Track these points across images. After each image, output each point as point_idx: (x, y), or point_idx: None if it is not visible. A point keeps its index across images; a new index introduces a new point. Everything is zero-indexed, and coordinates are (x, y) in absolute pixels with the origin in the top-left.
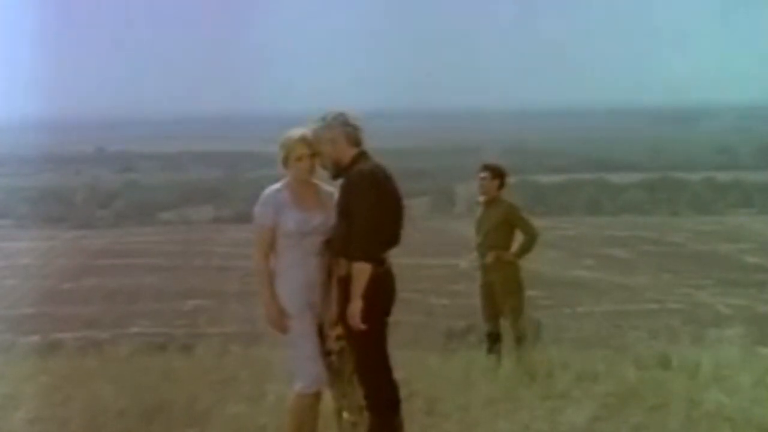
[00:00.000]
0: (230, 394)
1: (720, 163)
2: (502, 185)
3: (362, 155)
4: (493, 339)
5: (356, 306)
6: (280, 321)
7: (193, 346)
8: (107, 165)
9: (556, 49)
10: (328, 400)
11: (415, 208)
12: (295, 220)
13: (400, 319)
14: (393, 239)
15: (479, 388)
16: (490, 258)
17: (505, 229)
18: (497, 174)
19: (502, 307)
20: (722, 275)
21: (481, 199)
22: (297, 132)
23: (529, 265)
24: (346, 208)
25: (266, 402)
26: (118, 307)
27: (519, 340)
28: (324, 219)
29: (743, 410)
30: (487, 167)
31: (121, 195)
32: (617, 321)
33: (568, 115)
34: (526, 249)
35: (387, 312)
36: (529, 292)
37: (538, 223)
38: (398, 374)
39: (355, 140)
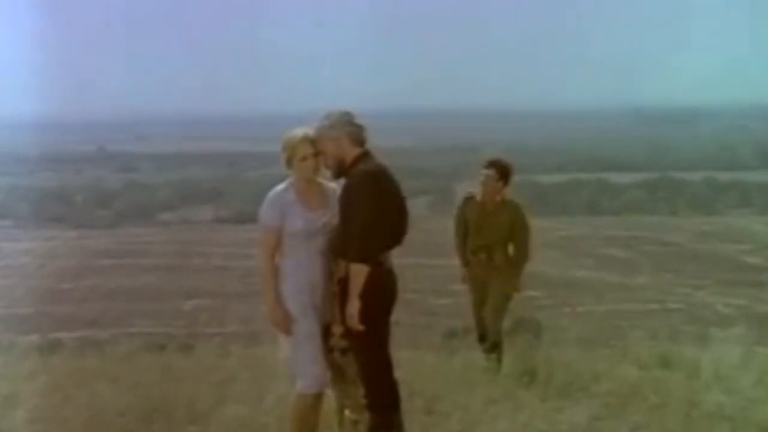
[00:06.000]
0: (230, 394)
1: (720, 163)
2: (506, 185)
3: (365, 155)
4: (485, 340)
5: (353, 307)
6: (284, 322)
7: (193, 346)
8: (107, 165)
9: (557, 48)
10: (329, 398)
11: (414, 207)
12: (303, 220)
13: (400, 319)
14: (393, 240)
15: (479, 388)
16: (514, 285)
17: (508, 230)
18: (504, 173)
19: (488, 305)
20: (722, 275)
21: (479, 197)
22: (299, 132)
23: (529, 265)
24: (346, 208)
25: (266, 402)
26: (118, 307)
27: (494, 345)
28: (329, 217)
29: (743, 410)
30: (492, 164)
31: (121, 195)
32: (617, 321)
33: (568, 115)
34: (521, 264)
35: (387, 312)
36: (529, 292)
37: (538, 223)
38: (398, 374)
39: (358, 140)
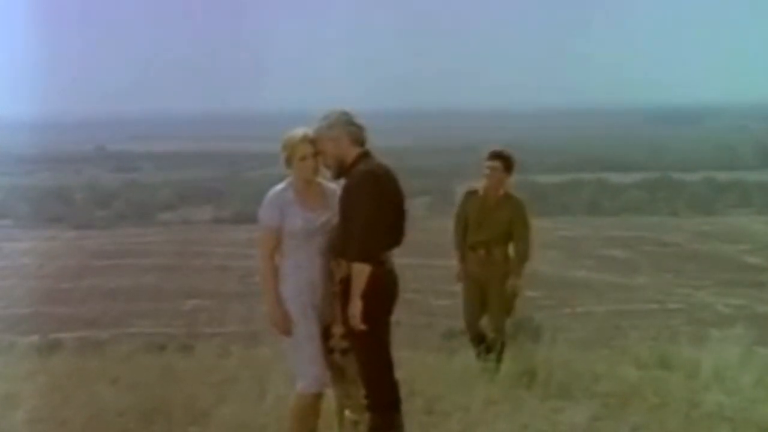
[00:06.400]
0: (230, 394)
1: (720, 163)
2: (509, 176)
3: (365, 155)
4: (480, 341)
5: (355, 306)
6: (284, 323)
7: (193, 346)
8: (107, 165)
9: (557, 48)
10: (329, 398)
11: (414, 207)
12: (302, 219)
13: (400, 319)
14: (393, 240)
15: (479, 388)
16: (511, 283)
17: (508, 226)
18: (508, 165)
19: (491, 306)
20: (722, 275)
21: (481, 191)
22: (299, 132)
23: (529, 265)
24: (346, 208)
25: (266, 402)
26: (118, 307)
27: (501, 345)
28: (329, 217)
29: (743, 410)
30: (497, 155)
31: (121, 195)
32: (617, 321)
33: (568, 115)
34: (523, 261)
35: (388, 312)
36: (529, 292)
37: (538, 223)
38: (398, 374)
39: (358, 140)
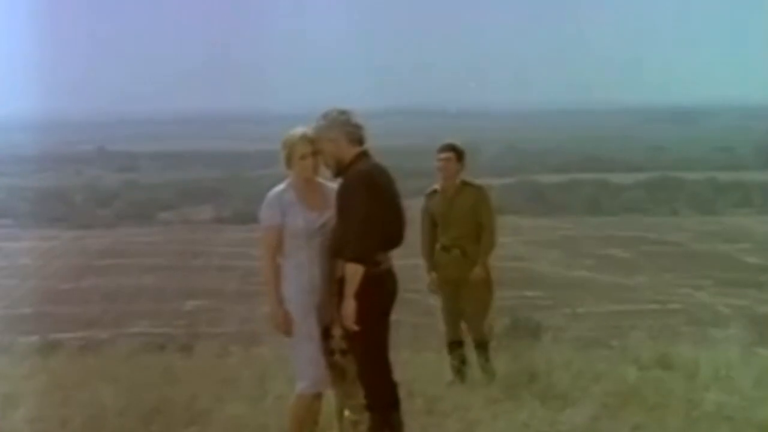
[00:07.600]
0: (230, 394)
1: (720, 162)
2: (462, 167)
3: (363, 155)
4: (458, 346)
5: (349, 307)
6: (286, 324)
7: (193, 346)
8: (107, 165)
9: (556, 48)
10: (329, 398)
11: (414, 208)
12: (304, 219)
13: (400, 319)
14: (391, 240)
15: (479, 388)
16: (477, 272)
17: (475, 217)
18: (460, 156)
19: (465, 307)
20: (722, 275)
21: (439, 186)
22: (298, 131)
23: (529, 265)
24: (342, 208)
25: (266, 402)
26: (118, 307)
27: (482, 345)
28: (330, 217)
29: (743, 410)
30: (449, 147)
31: (121, 195)
32: (617, 321)
33: (568, 115)
34: (489, 250)
35: (386, 313)
36: (529, 292)
37: (538, 223)
38: (398, 374)
39: (356, 139)
